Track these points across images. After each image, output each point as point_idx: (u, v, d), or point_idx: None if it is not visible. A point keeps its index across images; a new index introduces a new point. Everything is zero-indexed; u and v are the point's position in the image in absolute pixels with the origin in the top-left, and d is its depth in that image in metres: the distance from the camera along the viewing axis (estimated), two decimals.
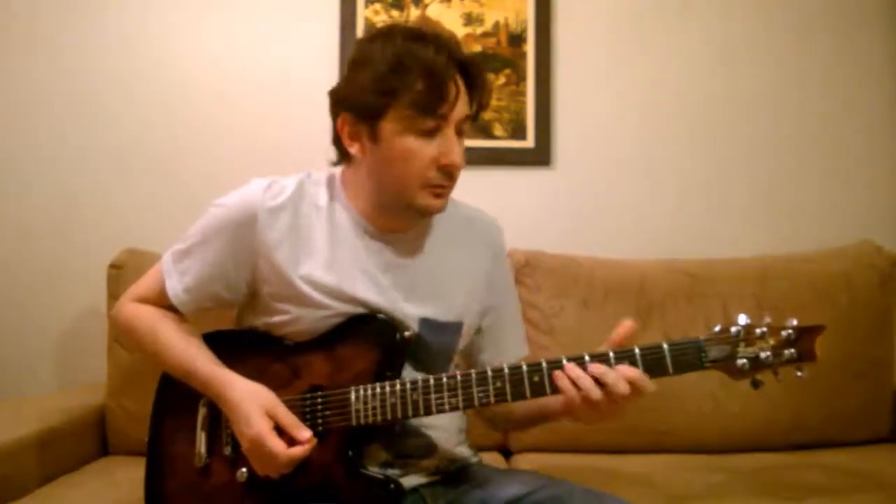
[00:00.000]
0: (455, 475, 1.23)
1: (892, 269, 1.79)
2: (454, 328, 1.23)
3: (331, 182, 1.23)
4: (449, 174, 1.13)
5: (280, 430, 1.09)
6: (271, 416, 1.09)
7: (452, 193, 1.18)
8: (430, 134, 1.10)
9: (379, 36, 1.14)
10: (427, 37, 1.11)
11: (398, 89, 1.08)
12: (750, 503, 1.38)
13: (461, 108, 1.12)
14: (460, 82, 1.12)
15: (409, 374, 1.16)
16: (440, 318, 1.20)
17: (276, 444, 1.07)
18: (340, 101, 1.16)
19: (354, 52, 1.18)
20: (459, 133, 1.13)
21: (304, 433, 1.09)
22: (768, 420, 1.70)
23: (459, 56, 1.13)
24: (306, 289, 1.15)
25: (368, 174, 1.17)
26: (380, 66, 1.10)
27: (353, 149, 1.16)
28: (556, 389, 1.04)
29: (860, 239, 1.86)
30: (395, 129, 1.10)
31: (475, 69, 1.15)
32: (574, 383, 1.02)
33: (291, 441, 1.08)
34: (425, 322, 1.19)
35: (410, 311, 1.18)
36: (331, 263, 1.17)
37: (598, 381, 1.01)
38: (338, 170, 1.25)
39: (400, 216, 1.19)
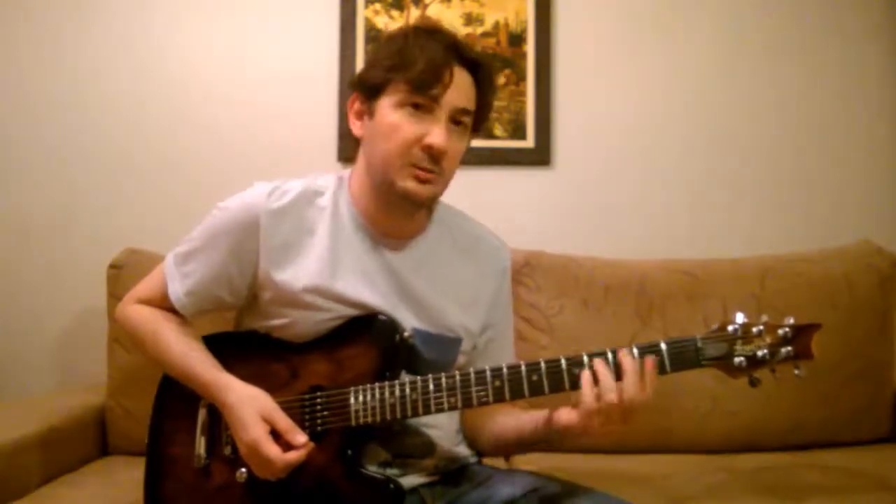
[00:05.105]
0: (455, 475, 1.23)
1: (892, 269, 1.78)
2: (449, 342, 1.22)
3: (339, 183, 1.24)
4: (432, 157, 1.12)
5: (277, 435, 1.09)
6: (267, 421, 1.09)
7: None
8: (418, 110, 1.12)
9: (397, 31, 1.21)
10: (438, 32, 1.17)
11: (400, 67, 1.12)
12: (750, 503, 1.38)
13: (456, 96, 1.13)
14: (465, 75, 1.14)
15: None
16: (433, 330, 1.20)
17: (272, 450, 1.07)
18: (353, 82, 1.22)
19: (374, 46, 1.23)
20: (457, 124, 1.15)
21: (300, 438, 1.09)
22: (768, 420, 1.69)
23: (467, 53, 1.16)
24: (307, 293, 1.15)
25: (364, 157, 1.19)
26: (391, 49, 1.15)
27: (356, 126, 1.20)
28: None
29: (860, 239, 1.86)
30: (389, 104, 1.13)
31: (482, 68, 1.17)
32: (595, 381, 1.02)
33: (288, 445, 1.08)
34: (417, 332, 1.18)
35: (406, 318, 1.18)
36: (332, 267, 1.17)
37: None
38: (347, 172, 1.26)
39: (396, 209, 1.18)
